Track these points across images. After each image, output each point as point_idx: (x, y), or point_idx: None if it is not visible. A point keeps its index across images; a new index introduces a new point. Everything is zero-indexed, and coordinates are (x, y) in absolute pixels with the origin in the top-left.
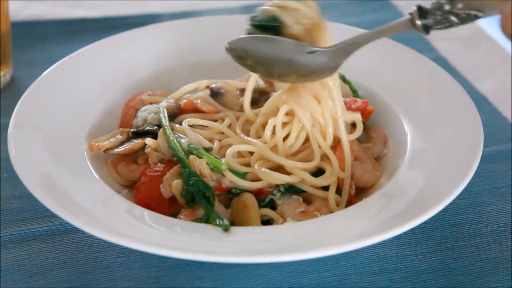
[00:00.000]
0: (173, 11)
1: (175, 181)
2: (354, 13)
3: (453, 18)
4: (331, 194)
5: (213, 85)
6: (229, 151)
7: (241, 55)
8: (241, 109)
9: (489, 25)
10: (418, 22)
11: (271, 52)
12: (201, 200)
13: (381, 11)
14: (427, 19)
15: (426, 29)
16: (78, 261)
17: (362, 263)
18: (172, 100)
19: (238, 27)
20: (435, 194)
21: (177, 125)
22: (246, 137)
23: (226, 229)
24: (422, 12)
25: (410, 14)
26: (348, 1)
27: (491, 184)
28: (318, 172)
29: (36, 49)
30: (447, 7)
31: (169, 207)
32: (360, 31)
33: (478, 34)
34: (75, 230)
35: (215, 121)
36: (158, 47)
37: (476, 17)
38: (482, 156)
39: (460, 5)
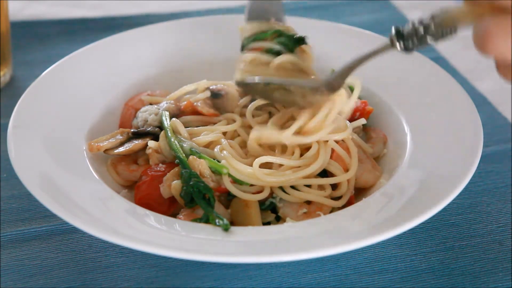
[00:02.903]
0: (172, 11)
1: (175, 181)
2: (354, 13)
3: (430, 38)
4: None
5: (213, 87)
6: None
7: (247, 91)
8: (241, 111)
9: None
10: (397, 45)
11: (280, 96)
12: (200, 201)
13: (381, 11)
14: (406, 41)
15: (407, 49)
16: (78, 261)
17: (361, 263)
18: (172, 101)
19: (238, 27)
20: (435, 194)
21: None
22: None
23: (226, 229)
24: (399, 34)
25: (390, 37)
26: (348, 1)
27: (491, 184)
28: (321, 173)
29: (36, 49)
30: (421, 30)
31: (169, 207)
32: (360, 31)
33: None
34: (74, 230)
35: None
36: (157, 47)
37: (453, 32)
38: (482, 156)
39: (433, 27)
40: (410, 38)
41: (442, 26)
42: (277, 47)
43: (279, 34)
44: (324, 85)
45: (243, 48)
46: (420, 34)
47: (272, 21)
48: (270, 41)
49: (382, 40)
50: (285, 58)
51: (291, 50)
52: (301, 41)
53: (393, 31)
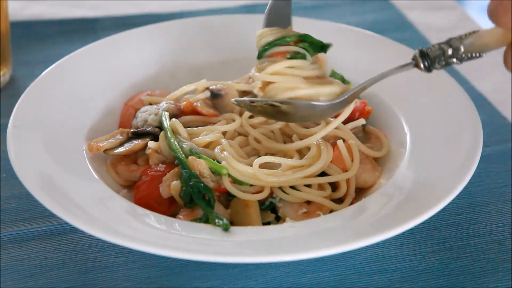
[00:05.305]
0: (172, 11)
1: (174, 182)
2: (354, 13)
3: (454, 60)
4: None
5: (213, 87)
6: (256, 161)
7: (250, 110)
8: (241, 111)
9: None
10: (421, 66)
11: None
12: (199, 201)
13: (381, 11)
14: (429, 61)
15: (429, 69)
16: (78, 261)
17: (361, 263)
18: (171, 101)
19: (238, 27)
20: (434, 194)
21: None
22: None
23: (225, 229)
24: (424, 54)
25: (414, 57)
26: (348, 1)
27: (491, 184)
28: (320, 175)
29: (36, 49)
30: (449, 52)
31: (169, 207)
32: (360, 31)
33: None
34: (74, 230)
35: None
36: (157, 47)
37: (480, 56)
38: (482, 156)
39: (462, 50)
40: (437, 59)
41: (471, 51)
42: (302, 51)
43: (301, 39)
44: (337, 106)
45: (260, 55)
46: (447, 56)
47: (290, 28)
48: (293, 45)
49: (382, 40)
50: (310, 72)
51: (311, 55)
52: (325, 48)
53: (417, 52)
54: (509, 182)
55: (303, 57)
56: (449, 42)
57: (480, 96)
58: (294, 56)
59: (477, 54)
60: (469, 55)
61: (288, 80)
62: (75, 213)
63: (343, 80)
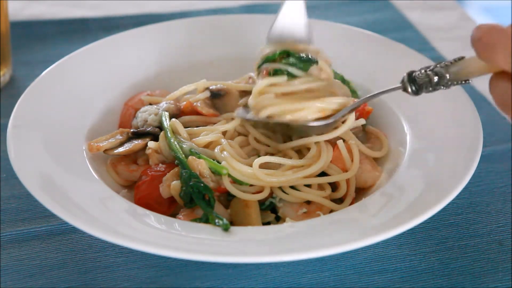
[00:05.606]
0: (172, 11)
1: (174, 182)
2: (354, 13)
3: (441, 87)
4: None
5: (213, 87)
6: (257, 161)
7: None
8: None
9: None
10: (409, 90)
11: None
12: (199, 201)
13: (381, 11)
14: (417, 87)
15: (417, 93)
16: (77, 261)
17: (361, 263)
18: (171, 101)
19: (238, 27)
20: (435, 194)
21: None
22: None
23: (225, 229)
24: (411, 77)
25: (402, 82)
26: (348, 1)
27: (491, 184)
28: (320, 175)
29: (36, 49)
30: (435, 79)
31: (169, 207)
32: (360, 31)
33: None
34: (74, 230)
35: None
36: (157, 47)
37: (466, 82)
38: (482, 156)
39: (448, 78)
40: (424, 86)
41: (456, 79)
42: (285, 67)
43: (287, 54)
44: (330, 125)
45: (259, 67)
46: (433, 83)
47: (291, 42)
48: (279, 62)
49: (382, 40)
50: (295, 87)
51: (304, 69)
52: (310, 62)
53: (406, 76)
54: (509, 182)
55: (282, 73)
56: (434, 70)
57: (480, 96)
58: (275, 72)
59: (463, 81)
60: (455, 82)
61: (266, 98)
62: (75, 213)
63: (343, 80)
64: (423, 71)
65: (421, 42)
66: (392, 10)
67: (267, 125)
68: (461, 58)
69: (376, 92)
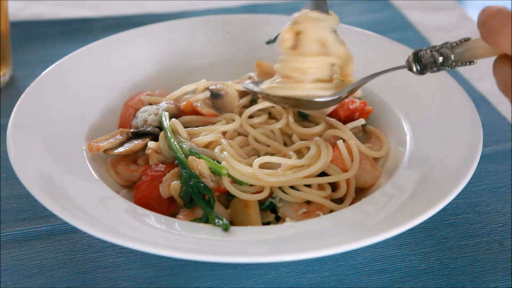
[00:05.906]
0: (172, 11)
1: (174, 182)
2: (354, 13)
3: (445, 67)
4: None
5: (213, 87)
6: (256, 161)
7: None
8: (241, 111)
9: None
10: (414, 69)
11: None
12: (199, 201)
13: (381, 11)
14: (421, 66)
15: (421, 73)
16: (77, 261)
17: (361, 263)
18: (171, 101)
19: (238, 27)
20: (434, 194)
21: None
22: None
23: (225, 229)
24: (416, 57)
25: (408, 61)
26: (348, 1)
27: (491, 183)
28: (320, 175)
29: (36, 49)
30: (440, 60)
31: (169, 207)
32: (360, 31)
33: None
34: (74, 230)
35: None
36: (157, 47)
37: (471, 63)
38: (482, 156)
39: (452, 59)
40: (428, 66)
41: (461, 60)
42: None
43: None
44: (336, 100)
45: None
46: (438, 64)
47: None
48: None
49: (382, 40)
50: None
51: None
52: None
53: (412, 55)
54: (509, 182)
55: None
56: (439, 50)
57: (480, 96)
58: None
59: (468, 62)
60: (460, 63)
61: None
62: (75, 213)
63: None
64: (428, 51)
65: (421, 42)
66: (392, 10)
67: (276, 99)
68: (467, 40)
69: (381, 70)
